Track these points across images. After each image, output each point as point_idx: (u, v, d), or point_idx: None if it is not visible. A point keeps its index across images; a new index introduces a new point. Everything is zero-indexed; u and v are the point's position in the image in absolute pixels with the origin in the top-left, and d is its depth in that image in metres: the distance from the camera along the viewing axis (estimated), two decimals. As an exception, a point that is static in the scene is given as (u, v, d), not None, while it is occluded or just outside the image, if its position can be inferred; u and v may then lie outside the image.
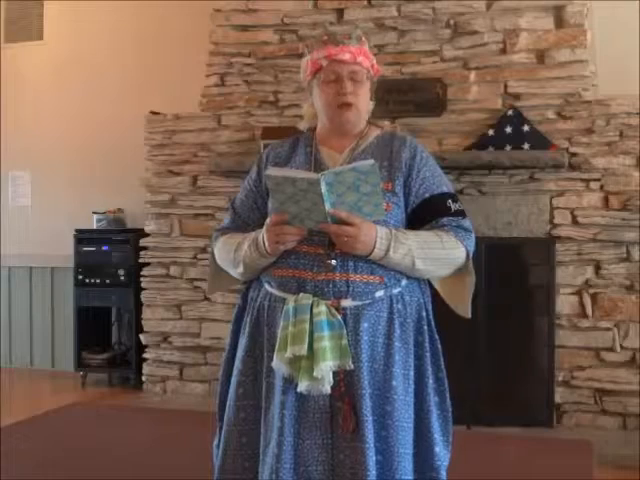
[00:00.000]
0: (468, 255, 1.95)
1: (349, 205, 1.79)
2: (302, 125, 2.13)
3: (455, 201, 1.99)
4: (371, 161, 1.77)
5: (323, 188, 1.75)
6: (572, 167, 4.13)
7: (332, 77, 1.96)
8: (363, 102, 2.00)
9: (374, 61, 2.03)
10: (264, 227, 1.90)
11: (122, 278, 5.08)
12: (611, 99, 4.11)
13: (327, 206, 1.77)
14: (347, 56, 1.95)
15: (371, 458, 1.80)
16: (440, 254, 1.91)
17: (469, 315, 1.99)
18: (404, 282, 1.94)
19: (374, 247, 1.84)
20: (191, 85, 4.89)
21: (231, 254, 2.01)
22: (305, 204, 1.79)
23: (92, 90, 5.54)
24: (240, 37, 4.79)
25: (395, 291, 1.92)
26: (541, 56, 4.27)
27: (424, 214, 1.95)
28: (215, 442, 2.09)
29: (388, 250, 1.85)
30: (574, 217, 4.14)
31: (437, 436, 1.94)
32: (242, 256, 1.97)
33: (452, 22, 4.39)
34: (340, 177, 1.76)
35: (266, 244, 1.89)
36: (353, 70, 1.96)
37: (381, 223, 1.87)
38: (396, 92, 4.34)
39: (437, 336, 2.00)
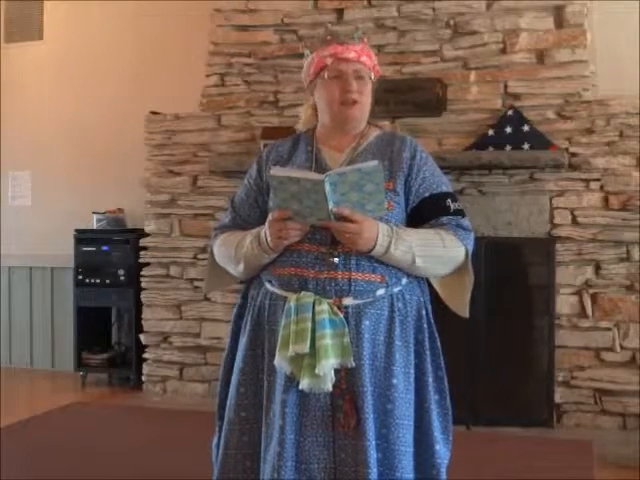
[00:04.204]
0: (467, 254, 1.96)
1: (352, 203, 1.80)
2: (299, 127, 2.14)
3: (454, 200, 2.00)
4: (375, 162, 1.77)
5: (327, 188, 1.75)
6: (572, 167, 4.13)
7: (337, 75, 1.97)
8: (367, 101, 2.01)
9: (376, 62, 2.04)
10: (266, 223, 1.90)
11: (122, 278, 5.07)
12: (611, 99, 4.11)
13: (330, 205, 1.78)
14: (352, 54, 1.96)
15: (372, 456, 1.80)
16: (440, 252, 1.91)
17: (467, 315, 1.99)
18: (404, 281, 1.94)
19: (376, 243, 1.84)
20: (191, 85, 4.90)
21: (232, 251, 2.01)
22: (308, 202, 1.79)
23: (92, 90, 5.54)
24: (240, 37, 4.80)
25: (396, 290, 1.92)
26: (541, 56, 4.27)
27: (424, 213, 1.96)
28: (214, 441, 2.09)
29: (389, 246, 1.85)
30: (574, 217, 4.14)
31: (437, 434, 1.95)
32: (243, 253, 1.97)
33: (452, 22, 4.39)
34: (344, 177, 1.77)
35: (268, 239, 1.89)
36: (357, 69, 1.97)
37: (383, 221, 1.87)
38: (396, 92, 4.33)
39: (437, 335, 2.00)
